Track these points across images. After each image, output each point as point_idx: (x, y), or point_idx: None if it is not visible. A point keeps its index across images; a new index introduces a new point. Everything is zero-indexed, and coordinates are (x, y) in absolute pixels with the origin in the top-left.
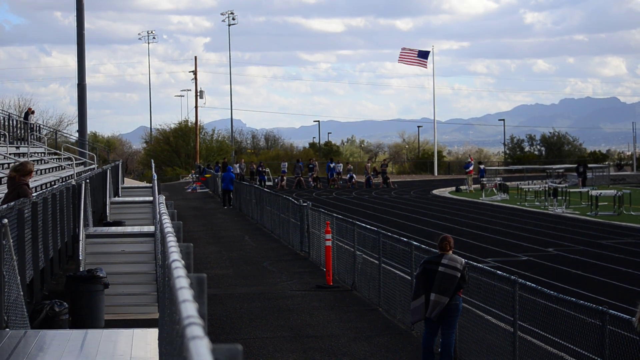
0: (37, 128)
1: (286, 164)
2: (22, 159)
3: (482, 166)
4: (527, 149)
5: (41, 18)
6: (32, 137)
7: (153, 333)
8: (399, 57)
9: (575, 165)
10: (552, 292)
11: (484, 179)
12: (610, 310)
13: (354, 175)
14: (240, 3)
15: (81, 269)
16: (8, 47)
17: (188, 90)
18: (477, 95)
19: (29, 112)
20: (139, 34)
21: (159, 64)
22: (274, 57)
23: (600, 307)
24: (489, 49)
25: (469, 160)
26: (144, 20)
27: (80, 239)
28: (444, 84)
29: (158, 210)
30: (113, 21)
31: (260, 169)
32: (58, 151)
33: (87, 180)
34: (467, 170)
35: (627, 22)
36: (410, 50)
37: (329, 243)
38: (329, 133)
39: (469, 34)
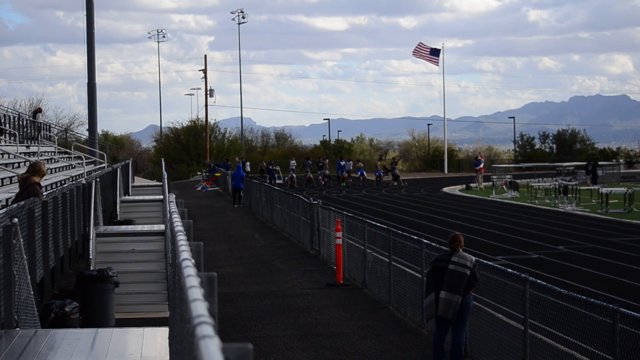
0: (47, 127)
1: (294, 162)
2: (32, 158)
3: (478, 159)
4: (538, 146)
5: (44, 17)
6: (42, 136)
7: (163, 332)
8: (414, 51)
9: (584, 163)
10: (562, 290)
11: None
12: (621, 309)
13: (364, 172)
14: (243, 1)
15: (91, 268)
16: (13, 47)
17: (198, 88)
18: (484, 93)
19: (37, 111)
20: (148, 33)
21: (164, 62)
22: (279, 56)
23: (611, 305)
24: (494, 46)
25: (479, 157)
26: (146, 19)
27: (91, 237)
28: (451, 82)
29: (168, 209)
30: (115, 20)
31: (271, 167)
32: (68, 150)
33: (97, 179)
34: (477, 168)
35: (632, 19)
36: (424, 45)
37: (339, 241)
38: (339, 131)
39: (473, 31)
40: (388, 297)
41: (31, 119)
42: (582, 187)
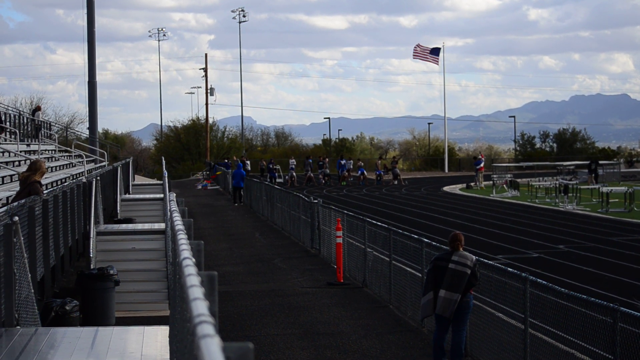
0: (48, 126)
1: (294, 161)
2: (33, 157)
3: (478, 159)
4: (538, 145)
5: (44, 15)
6: (43, 134)
7: (164, 330)
8: (413, 53)
9: (588, 162)
10: (563, 289)
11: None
12: (622, 308)
13: (365, 171)
14: (243, 0)
15: (92, 267)
16: (13, 45)
17: (198, 87)
18: (485, 92)
19: (37, 109)
20: (149, 31)
21: (165, 61)
22: (279, 54)
23: (612, 305)
24: (494, 45)
25: (480, 157)
26: (146, 17)
27: (91, 236)
28: (451, 81)
29: (169, 208)
30: (116, 19)
31: (271, 165)
32: (69, 148)
33: (98, 178)
34: (478, 167)
35: (633, 18)
36: (423, 47)
37: (339, 240)
38: (339, 130)
39: (473, 30)
40: (388, 296)
41: (30, 116)
42: (585, 186)
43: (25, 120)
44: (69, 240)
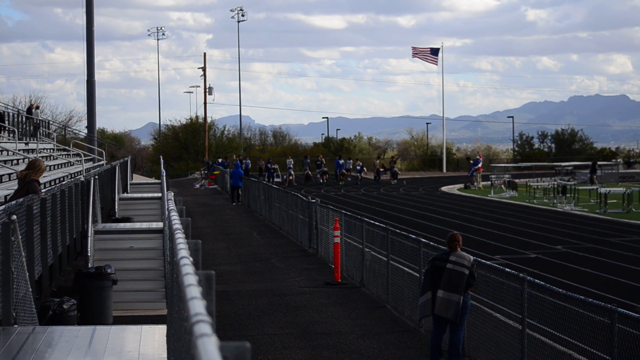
0: (46, 124)
1: (292, 160)
2: (31, 155)
3: (476, 159)
4: (536, 145)
5: (43, 14)
6: (41, 133)
7: (161, 329)
8: (413, 52)
9: (591, 163)
10: (560, 290)
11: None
12: (619, 309)
13: (363, 171)
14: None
15: (89, 266)
16: (11, 44)
17: (197, 86)
18: (483, 92)
19: (32, 108)
20: (148, 30)
21: (163, 60)
22: (277, 54)
23: (609, 305)
24: (492, 45)
25: (478, 157)
26: (144, 16)
27: (89, 235)
28: (449, 81)
29: (167, 207)
30: (113, 17)
31: (269, 165)
32: (67, 147)
33: (96, 177)
34: (476, 168)
35: (631, 19)
36: (420, 48)
37: (337, 240)
38: (337, 130)
39: (471, 30)
40: (386, 296)
41: (26, 114)
42: (584, 187)
43: (23, 119)
44: (67, 239)
